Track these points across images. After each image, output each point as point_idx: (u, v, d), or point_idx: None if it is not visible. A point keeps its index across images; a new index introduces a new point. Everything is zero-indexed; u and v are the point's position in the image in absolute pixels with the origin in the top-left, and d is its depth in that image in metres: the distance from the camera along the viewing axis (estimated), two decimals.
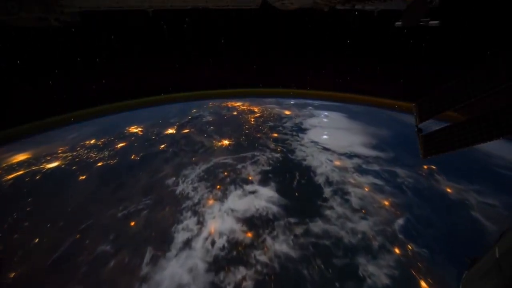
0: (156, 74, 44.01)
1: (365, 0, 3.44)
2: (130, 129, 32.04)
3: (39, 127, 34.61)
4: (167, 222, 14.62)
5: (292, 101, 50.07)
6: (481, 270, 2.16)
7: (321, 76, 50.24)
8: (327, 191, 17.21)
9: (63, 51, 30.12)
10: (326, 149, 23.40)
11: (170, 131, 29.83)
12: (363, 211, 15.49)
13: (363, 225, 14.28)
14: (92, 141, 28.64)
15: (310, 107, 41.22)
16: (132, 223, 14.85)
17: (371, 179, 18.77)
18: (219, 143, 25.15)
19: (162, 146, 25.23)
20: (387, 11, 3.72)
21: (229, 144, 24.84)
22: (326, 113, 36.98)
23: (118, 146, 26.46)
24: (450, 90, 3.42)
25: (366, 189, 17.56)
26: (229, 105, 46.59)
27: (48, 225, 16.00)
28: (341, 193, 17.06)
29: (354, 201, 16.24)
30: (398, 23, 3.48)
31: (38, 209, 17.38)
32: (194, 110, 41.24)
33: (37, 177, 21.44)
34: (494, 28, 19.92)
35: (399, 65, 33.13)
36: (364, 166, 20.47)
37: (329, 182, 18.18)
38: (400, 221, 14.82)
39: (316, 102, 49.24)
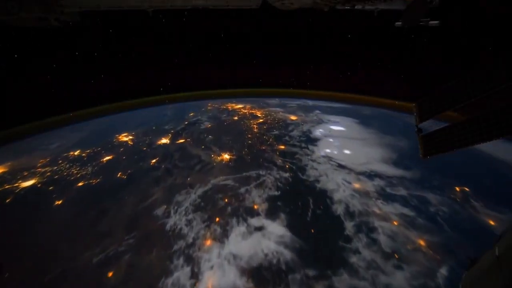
0: (155, 74, 43.27)
1: (365, 0, 3.46)
2: (120, 137, 28.91)
3: (39, 127, 33.31)
4: (153, 273, 11.68)
5: (296, 103, 46.80)
6: (481, 270, 2.08)
7: (324, 76, 47.61)
8: (349, 226, 14.25)
9: (62, 51, 29.11)
10: (341, 166, 20.37)
11: (164, 140, 26.71)
12: (396, 255, 12.56)
13: (399, 279, 11.37)
14: (77, 152, 25.56)
15: (317, 111, 38.05)
16: (110, 274, 11.91)
17: (399, 208, 15.81)
18: (219, 158, 22.08)
19: (154, 160, 22.16)
20: (387, 11, 3.68)
21: (230, 159, 21.78)
22: (335, 118, 33.83)
23: (104, 159, 23.38)
24: (450, 90, 3.33)
25: (395, 223, 14.61)
26: (229, 107, 43.32)
27: (10, 270, 13.13)
28: (366, 229, 14.11)
29: (384, 241, 13.30)
30: (398, 23, 3.47)
31: (1, 246, 14.46)
32: (192, 114, 38.07)
33: (8, 200, 18.44)
34: (494, 28, 19.83)
35: (403, 65, 32.47)
36: (388, 189, 17.49)
37: (350, 213, 15.21)
38: (443, 271, 11.92)
39: (322, 104, 46.09)
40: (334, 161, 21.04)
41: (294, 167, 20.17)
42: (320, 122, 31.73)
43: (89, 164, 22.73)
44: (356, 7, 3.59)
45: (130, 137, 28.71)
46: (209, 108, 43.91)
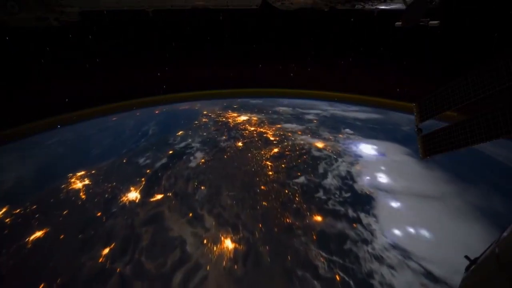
0: (147, 75, 39.14)
1: (365, 0, 3.51)
2: (73, 181, 19.83)
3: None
4: None
5: (314, 112, 37.13)
6: (480, 270, 2.03)
7: (337, 76, 42.90)
8: None
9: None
10: (432, 275, 11.41)
11: (131, 195, 17.50)
12: None
13: None
14: (2, 212, 16.66)
15: (347, 130, 28.65)
16: None
17: None
18: (216, 249, 13.00)
19: (105, 251, 13.10)
20: (387, 11, 3.71)
21: (236, 253, 12.69)
22: (375, 145, 24.55)
23: (31, 239, 14.41)
24: (450, 90, 3.34)
25: None
26: (230, 119, 33.57)
27: None
28: None
29: None
30: (398, 23, 3.47)
31: None
32: (180, 133, 28.58)
33: None
34: (495, 27, 19.39)
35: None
36: None
37: None
38: None
39: (345, 113, 36.77)
40: (416, 262, 12.05)
41: (350, 280, 11.21)
42: (359, 155, 22.45)
43: (4, 251, 13.77)
44: (356, 7, 3.55)
45: (86, 182, 19.54)
46: (203, 120, 34.20)
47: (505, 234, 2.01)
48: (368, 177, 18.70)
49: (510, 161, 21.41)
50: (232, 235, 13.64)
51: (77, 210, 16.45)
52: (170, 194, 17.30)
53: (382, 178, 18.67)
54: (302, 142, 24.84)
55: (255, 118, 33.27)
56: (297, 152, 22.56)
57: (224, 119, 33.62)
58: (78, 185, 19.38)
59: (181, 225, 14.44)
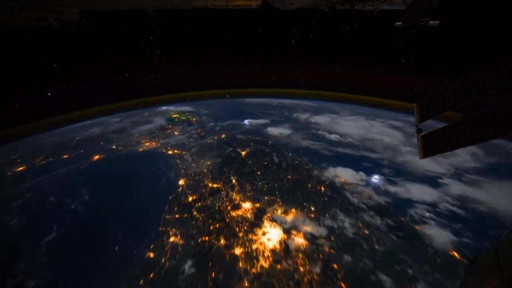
0: (148, 74, 39.80)
1: (365, 0, 3.63)
2: None
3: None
4: None
5: (423, 201, 20.20)
6: (481, 270, 2.03)
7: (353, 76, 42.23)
8: None
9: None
10: None
11: None
12: None
13: None
14: None
15: None
16: None
17: None
18: None
19: None
20: (387, 11, 3.81)
21: None
22: None
23: None
24: (451, 90, 3.36)
25: None
26: (238, 251, 15.79)
27: None
28: None
29: None
30: (398, 23, 3.53)
31: None
32: None
33: None
34: (495, 27, 19.76)
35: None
36: None
37: None
38: None
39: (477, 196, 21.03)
40: None
41: None
42: None
43: None
44: (356, 7, 3.63)
45: None
46: (174, 238, 16.72)
47: (505, 234, 1.98)
48: None
49: None
50: None
51: None
52: None
53: None
54: None
55: (302, 243, 16.28)
56: None
57: (222, 242, 16.64)
58: None
59: None
